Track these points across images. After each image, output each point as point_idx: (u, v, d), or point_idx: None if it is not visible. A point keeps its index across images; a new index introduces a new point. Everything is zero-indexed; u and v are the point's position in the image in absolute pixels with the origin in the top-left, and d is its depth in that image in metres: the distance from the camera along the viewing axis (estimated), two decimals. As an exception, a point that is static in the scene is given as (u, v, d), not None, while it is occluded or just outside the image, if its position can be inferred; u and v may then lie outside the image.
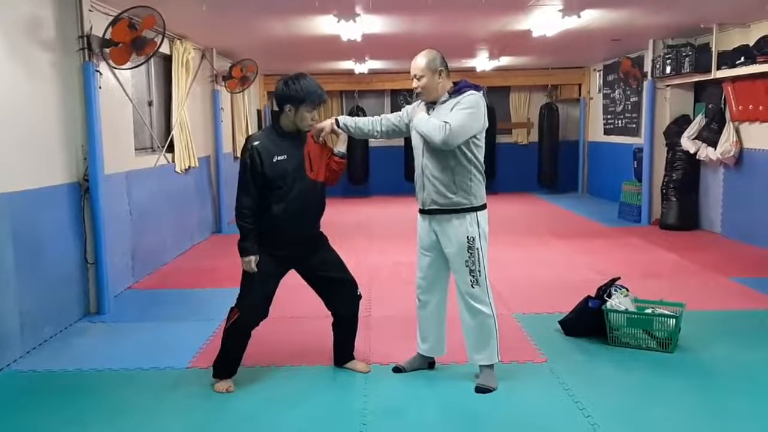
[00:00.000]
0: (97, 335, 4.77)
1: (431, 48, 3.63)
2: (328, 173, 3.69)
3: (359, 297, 3.87)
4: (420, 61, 3.54)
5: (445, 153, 3.48)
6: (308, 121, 3.57)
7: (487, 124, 3.56)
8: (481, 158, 3.56)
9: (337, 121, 3.76)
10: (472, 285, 3.57)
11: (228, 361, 3.70)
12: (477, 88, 3.55)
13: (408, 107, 3.79)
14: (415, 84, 3.57)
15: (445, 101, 3.53)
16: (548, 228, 9.10)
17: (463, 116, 3.40)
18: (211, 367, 3.77)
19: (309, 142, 3.63)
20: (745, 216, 7.66)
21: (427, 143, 3.50)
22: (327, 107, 12.32)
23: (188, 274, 6.66)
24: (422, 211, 3.70)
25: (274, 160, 3.50)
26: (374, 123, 3.82)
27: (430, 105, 3.60)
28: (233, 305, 3.65)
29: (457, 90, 3.54)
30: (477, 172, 3.54)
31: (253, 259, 3.54)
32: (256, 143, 3.52)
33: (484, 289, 3.59)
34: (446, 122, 3.37)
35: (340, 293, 3.80)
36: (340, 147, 3.71)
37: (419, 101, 3.69)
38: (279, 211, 3.53)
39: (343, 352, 3.96)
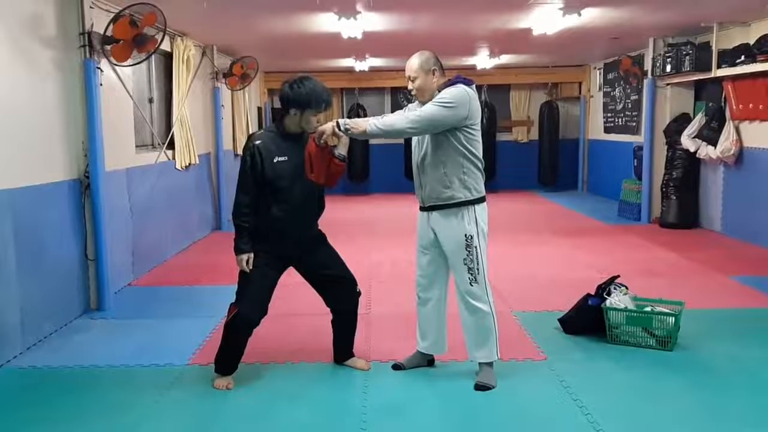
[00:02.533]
0: (98, 332, 4.78)
1: (425, 49, 3.64)
2: (327, 176, 3.68)
3: (359, 294, 3.87)
4: (413, 63, 3.57)
5: (438, 147, 3.50)
6: (313, 124, 3.57)
7: (477, 118, 3.54)
8: (477, 152, 3.55)
9: (338, 123, 3.73)
10: (470, 283, 3.58)
11: (227, 357, 3.70)
12: (468, 82, 3.56)
13: (410, 105, 3.79)
14: (410, 86, 3.60)
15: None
16: (548, 226, 9.10)
17: (434, 107, 3.43)
18: (213, 363, 3.77)
19: (310, 143, 3.62)
20: (745, 214, 7.67)
21: (427, 144, 3.53)
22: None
23: (188, 270, 6.66)
24: (422, 208, 3.71)
25: (275, 161, 3.51)
26: (376, 123, 3.81)
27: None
28: (232, 302, 3.66)
29: (446, 86, 3.54)
30: (471, 165, 3.54)
31: (246, 258, 3.55)
32: (257, 142, 3.52)
33: (482, 287, 3.60)
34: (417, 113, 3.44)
35: (339, 291, 3.81)
36: (341, 150, 3.69)
37: (417, 102, 3.69)
38: (278, 211, 3.53)
39: (343, 349, 3.97)
